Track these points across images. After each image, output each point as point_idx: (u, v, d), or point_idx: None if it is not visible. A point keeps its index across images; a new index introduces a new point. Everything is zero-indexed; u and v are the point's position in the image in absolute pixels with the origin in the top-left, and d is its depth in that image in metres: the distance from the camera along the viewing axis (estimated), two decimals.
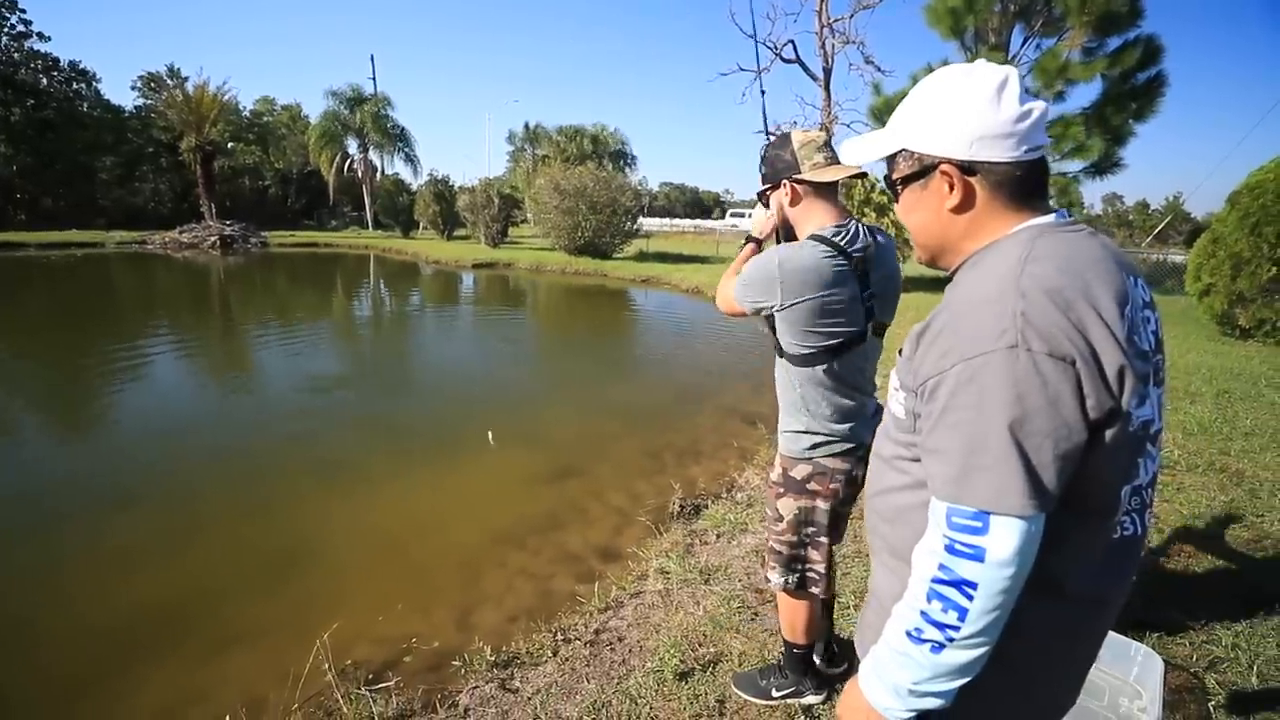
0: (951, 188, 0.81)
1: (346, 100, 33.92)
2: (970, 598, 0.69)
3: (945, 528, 0.72)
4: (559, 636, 2.27)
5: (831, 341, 1.50)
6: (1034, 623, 0.78)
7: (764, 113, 2.95)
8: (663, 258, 20.99)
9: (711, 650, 2.13)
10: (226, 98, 30.02)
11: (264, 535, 3.44)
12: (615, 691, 1.94)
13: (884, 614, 0.83)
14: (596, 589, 2.61)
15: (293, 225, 34.56)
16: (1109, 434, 0.71)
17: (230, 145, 35.28)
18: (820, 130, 13.45)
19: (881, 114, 12.70)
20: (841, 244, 1.47)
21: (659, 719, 1.83)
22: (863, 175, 1.54)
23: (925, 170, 0.83)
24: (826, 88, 16.37)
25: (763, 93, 2.60)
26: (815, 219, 1.53)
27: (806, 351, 1.52)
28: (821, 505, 1.62)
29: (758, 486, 3.60)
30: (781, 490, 1.66)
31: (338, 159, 34.09)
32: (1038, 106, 0.78)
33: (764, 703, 1.89)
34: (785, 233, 1.64)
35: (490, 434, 4.43)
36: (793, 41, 15.22)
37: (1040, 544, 0.71)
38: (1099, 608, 0.84)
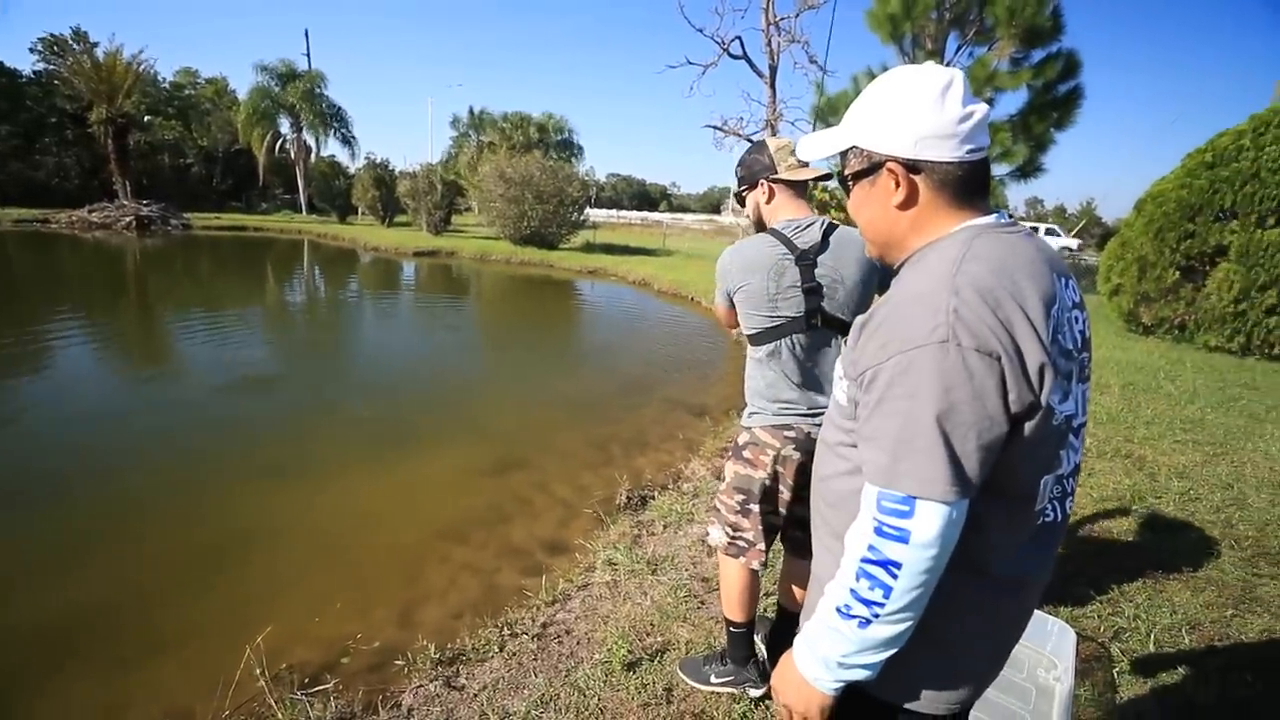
0: (897, 185, 0.83)
1: (278, 76, 32.06)
2: (895, 577, 0.73)
3: (875, 511, 0.75)
4: (505, 631, 2.24)
5: (771, 323, 1.64)
6: (961, 602, 0.82)
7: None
8: (610, 249, 20.93)
9: (659, 640, 2.15)
10: (142, 67, 27.84)
11: (191, 536, 3.23)
12: (563, 684, 1.93)
13: (822, 593, 0.86)
14: (544, 582, 2.59)
15: (218, 207, 32.39)
16: (1029, 426, 0.75)
17: (147, 119, 32.71)
18: (772, 133, 13.57)
19: (825, 114, 13.01)
20: (788, 235, 1.61)
21: (607, 709, 1.83)
22: (829, 176, 1.70)
23: (873, 167, 0.85)
24: (772, 85, 16.64)
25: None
26: (781, 214, 1.68)
27: (752, 330, 1.67)
28: (754, 474, 1.72)
29: (704, 477, 3.65)
30: (729, 454, 1.83)
31: (269, 138, 32.22)
32: (980, 109, 0.81)
33: (704, 688, 1.93)
34: (758, 227, 1.78)
35: None
36: (740, 38, 15.35)
37: (967, 528, 0.75)
38: (1022, 588, 0.89)
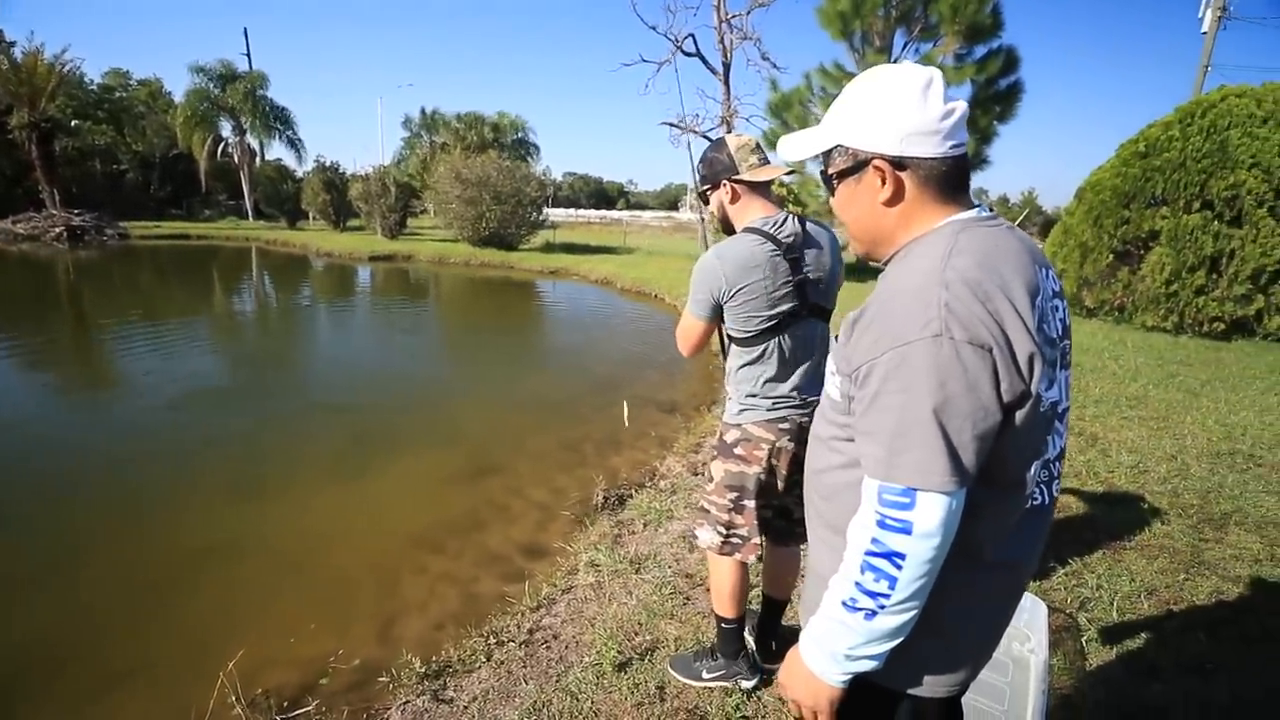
0: (884, 181, 0.85)
1: (217, 77, 30.72)
2: (899, 568, 0.75)
3: (876, 504, 0.77)
4: (491, 640, 2.21)
5: (770, 323, 1.63)
6: (960, 588, 0.84)
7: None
8: (570, 249, 20.81)
9: (648, 638, 2.16)
10: (67, 69, 26.28)
11: (149, 559, 3.09)
12: (555, 690, 1.92)
13: (822, 587, 0.87)
14: (527, 588, 2.56)
15: (157, 215, 30.77)
16: (1020, 415, 0.77)
17: (75, 123, 30.85)
18: (728, 129, 13.76)
19: (779, 110, 13.24)
20: (771, 232, 1.62)
21: (601, 712, 1.83)
22: (791, 173, 1.68)
23: (859, 165, 0.87)
24: (726, 82, 16.80)
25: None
26: (751, 214, 1.69)
27: (749, 333, 1.65)
28: (749, 470, 1.73)
29: (680, 474, 3.67)
30: (715, 453, 1.81)
31: (209, 142, 30.85)
32: (960, 106, 0.83)
33: (697, 684, 1.95)
34: (725, 228, 1.78)
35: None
36: (693, 35, 15.44)
37: (963, 516, 0.76)
38: (1015, 571, 0.92)
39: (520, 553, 3.11)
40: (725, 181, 1.69)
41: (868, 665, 0.82)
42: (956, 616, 0.88)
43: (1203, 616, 2.30)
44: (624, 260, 17.14)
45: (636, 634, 2.18)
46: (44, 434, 4.79)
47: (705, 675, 1.96)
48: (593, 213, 51.36)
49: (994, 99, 12.62)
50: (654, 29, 15.69)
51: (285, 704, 2.11)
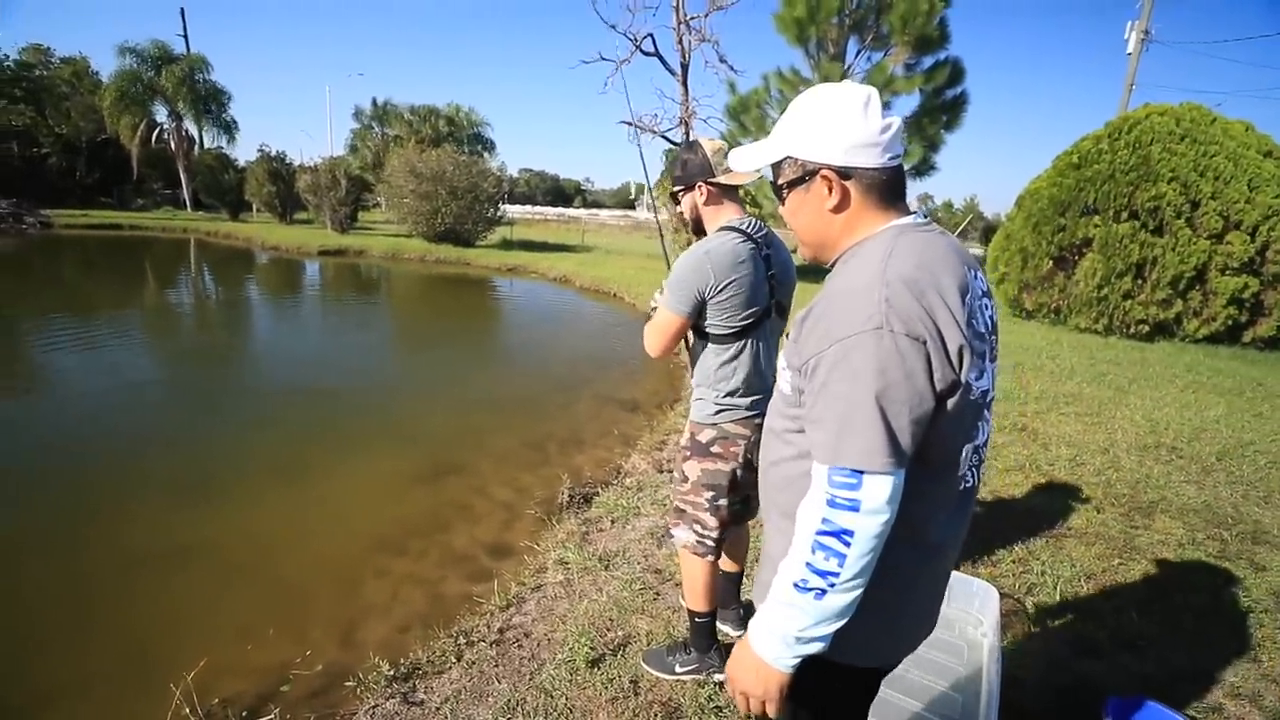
0: (830, 190, 0.92)
1: (151, 59, 29.03)
2: (848, 544, 0.79)
3: (826, 485, 0.82)
4: (461, 640, 2.19)
5: (749, 319, 1.68)
6: (901, 566, 0.91)
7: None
8: (528, 246, 20.61)
9: (620, 634, 2.17)
10: None
11: (85, 569, 2.90)
12: (528, 687, 1.92)
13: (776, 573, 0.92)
14: (496, 587, 2.54)
15: (84, 203, 28.95)
16: (951, 402, 0.84)
17: None
18: (686, 129, 13.79)
19: (737, 112, 13.44)
20: (749, 231, 1.69)
21: (576, 708, 1.84)
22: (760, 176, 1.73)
23: (808, 175, 0.94)
24: (684, 83, 16.94)
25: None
26: (724, 215, 1.75)
27: (730, 329, 1.68)
28: (723, 468, 1.76)
29: (646, 471, 3.70)
30: (688, 454, 1.82)
31: (142, 128, 29.11)
32: (896, 120, 0.91)
33: (670, 678, 1.98)
34: (695, 227, 1.83)
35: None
36: (651, 35, 15.47)
37: (904, 498, 0.82)
38: (949, 550, 1.00)
39: (486, 552, 3.08)
40: (701, 184, 1.73)
41: (817, 647, 0.85)
42: (899, 594, 0.94)
43: (1135, 597, 2.47)
44: (582, 259, 17.08)
45: (608, 630, 2.20)
46: None
47: (678, 669, 1.99)
48: (550, 210, 50.94)
49: (941, 108, 13.14)
50: (613, 28, 15.69)
51: (244, 713, 2.04)
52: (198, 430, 4.79)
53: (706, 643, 1.96)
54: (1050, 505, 3.29)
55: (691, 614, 1.93)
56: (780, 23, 12.66)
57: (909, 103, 13.38)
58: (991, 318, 0.94)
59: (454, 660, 2.09)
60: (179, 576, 2.87)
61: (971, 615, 2.22)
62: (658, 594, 2.42)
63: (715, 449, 1.76)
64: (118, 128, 28.56)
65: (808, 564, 0.82)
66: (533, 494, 3.65)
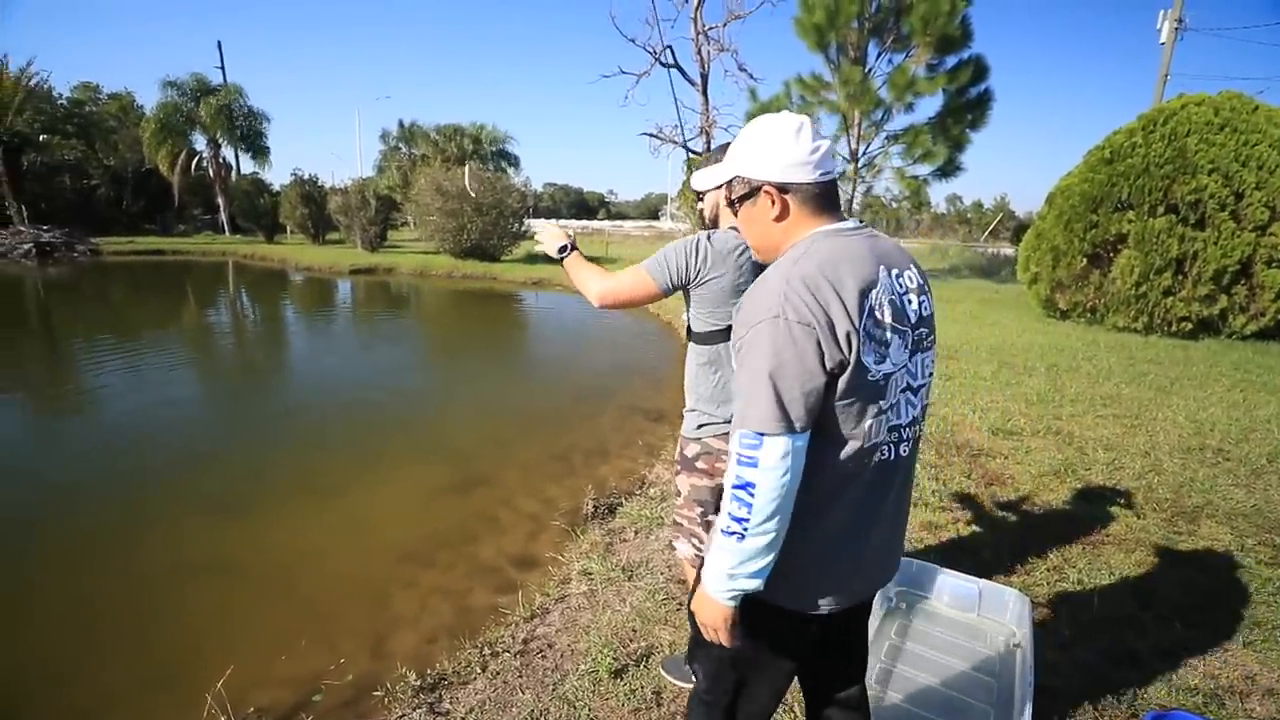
0: (773, 203, 1.07)
1: (190, 91, 30.29)
2: (753, 495, 0.94)
3: (737, 447, 0.97)
4: (486, 651, 2.21)
5: (726, 323, 1.63)
6: (816, 523, 1.05)
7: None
8: (553, 259, 20.78)
9: (642, 644, 2.17)
10: (33, 82, 25.86)
11: (122, 583, 3.01)
12: (552, 698, 1.93)
13: None
14: (520, 598, 2.57)
15: (130, 231, 30.23)
16: (843, 379, 0.97)
17: (43, 138, 30.27)
18: (707, 140, 13.79)
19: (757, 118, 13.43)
20: None
21: (599, 718, 1.84)
22: None
23: (754, 191, 1.09)
24: (704, 93, 17.00)
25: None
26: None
27: (714, 328, 1.65)
28: (708, 484, 1.73)
29: (669, 481, 3.69)
30: (679, 468, 1.81)
31: (182, 157, 30.34)
32: (825, 143, 1.07)
33: (689, 686, 1.97)
34: (713, 225, 1.80)
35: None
36: (670, 47, 15.60)
37: (813, 463, 0.98)
38: (875, 516, 1.11)
39: (512, 564, 3.11)
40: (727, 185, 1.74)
41: (749, 584, 1.00)
42: (817, 545, 1.08)
43: (1178, 606, 2.37)
44: (608, 270, 17.17)
45: (631, 640, 2.20)
46: (7, 455, 4.69)
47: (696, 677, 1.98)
48: (575, 223, 51.41)
49: (965, 107, 12.94)
50: (632, 41, 15.87)
51: None
52: (232, 445, 4.95)
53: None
54: (1087, 511, 3.19)
55: (693, 629, 1.92)
56: (800, 28, 12.65)
57: (932, 104, 13.22)
58: (918, 311, 1.07)
59: (479, 671, 2.11)
60: (213, 588, 2.96)
61: (1004, 625, 2.16)
62: (680, 604, 2.41)
63: (700, 464, 1.73)
64: (156, 158, 29.73)
65: (729, 513, 0.97)
66: (558, 505, 3.67)
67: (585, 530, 3.20)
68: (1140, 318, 8.46)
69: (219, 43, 44.11)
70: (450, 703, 1.97)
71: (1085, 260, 8.95)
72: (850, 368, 0.97)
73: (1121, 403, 5.08)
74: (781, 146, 1.04)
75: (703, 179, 1.24)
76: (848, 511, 1.07)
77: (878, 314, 0.99)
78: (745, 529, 0.96)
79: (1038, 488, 3.46)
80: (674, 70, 15.77)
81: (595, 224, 48.58)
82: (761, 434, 0.94)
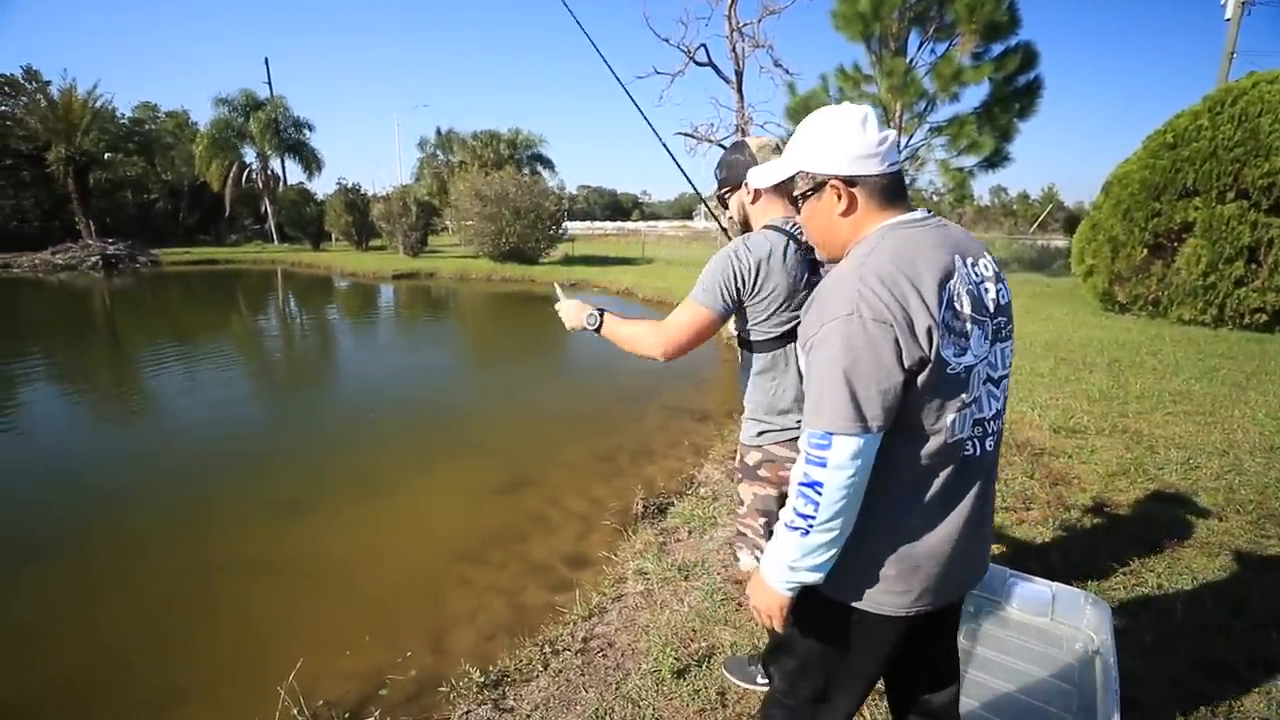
0: (839, 197, 1.04)
1: (240, 107, 31.58)
2: (820, 493, 0.95)
3: (806, 446, 0.97)
4: (547, 649, 2.22)
5: (787, 327, 1.59)
6: (888, 522, 1.03)
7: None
8: (589, 260, 20.95)
9: (703, 645, 2.16)
10: (100, 103, 27.30)
11: (191, 579, 3.13)
12: (615, 697, 1.93)
13: None
14: (577, 596, 2.58)
15: (186, 241, 31.75)
16: (925, 377, 0.95)
17: (108, 156, 31.95)
18: (742, 137, 13.78)
19: (797, 113, 13.23)
20: (794, 232, 1.59)
21: (664, 718, 1.83)
22: None
23: (819, 186, 1.06)
24: (739, 90, 16.86)
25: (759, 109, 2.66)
26: (771, 214, 1.67)
27: (770, 335, 1.59)
28: (773, 493, 1.68)
29: (720, 481, 3.67)
30: (740, 476, 1.75)
31: (233, 169, 31.67)
32: (890, 134, 1.03)
33: (752, 688, 1.94)
34: (743, 229, 1.76)
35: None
36: (704, 45, 15.59)
37: (889, 460, 0.97)
38: (959, 515, 1.07)
39: (564, 563, 3.13)
40: (746, 182, 1.64)
41: (809, 578, 1.01)
42: (903, 544, 1.05)
43: (1273, 614, 2.23)
44: (644, 270, 17.22)
45: (692, 640, 2.18)
46: (80, 457, 4.95)
47: (760, 680, 1.95)
48: (610, 224, 51.64)
49: (1013, 96, 12.50)
50: (666, 41, 15.87)
51: (347, 715, 2.14)
52: (289, 445, 5.12)
53: None
54: (1163, 512, 3.03)
55: (770, 631, 1.89)
56: (840, 20, 12.41)
57: (978, 93, 12.81)
58: (995, 300, 1.03)
59: (541, 669, 2.12)
60: (276, 584, 3.07)
61: (1081, 631, 2.06)
62: (739, 605, 2.38)
63: (762, 472, 1.68)
64: (207, 172, 31.07)
65: (794, 509, 0.98)
66: (606, 505, 3.68)
67: (637, 530, 3.20)
68: (1208, 310, 8.03)
69: (266, 59, 45.85)
70: (515, 700, 1.99)
71: (1146, 251, 8.55)
72: (931, 363, 0.94)
73: (1193, 399, 4.83)
74: (847, 138, 1.01)
75: (761, 175, 1.16)
76: (935, 509, 1.04)
77: (956, 305, 0.97)
78: (810, 525, 0.96)
79: (1106, 488, 3.31)
80: (709, 68, 15.72)
81: (630, 225, 48.69)
82: (831, 433, 0.93)
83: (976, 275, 1.02)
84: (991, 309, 1.02)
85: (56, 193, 27.83)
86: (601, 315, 1.71)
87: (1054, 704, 1.82)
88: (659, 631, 2.23)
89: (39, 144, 26.43)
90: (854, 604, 1.08)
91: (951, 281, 0.97)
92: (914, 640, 1.18)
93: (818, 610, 1.11)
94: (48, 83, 28.62)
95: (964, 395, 0.99)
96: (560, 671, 2.08)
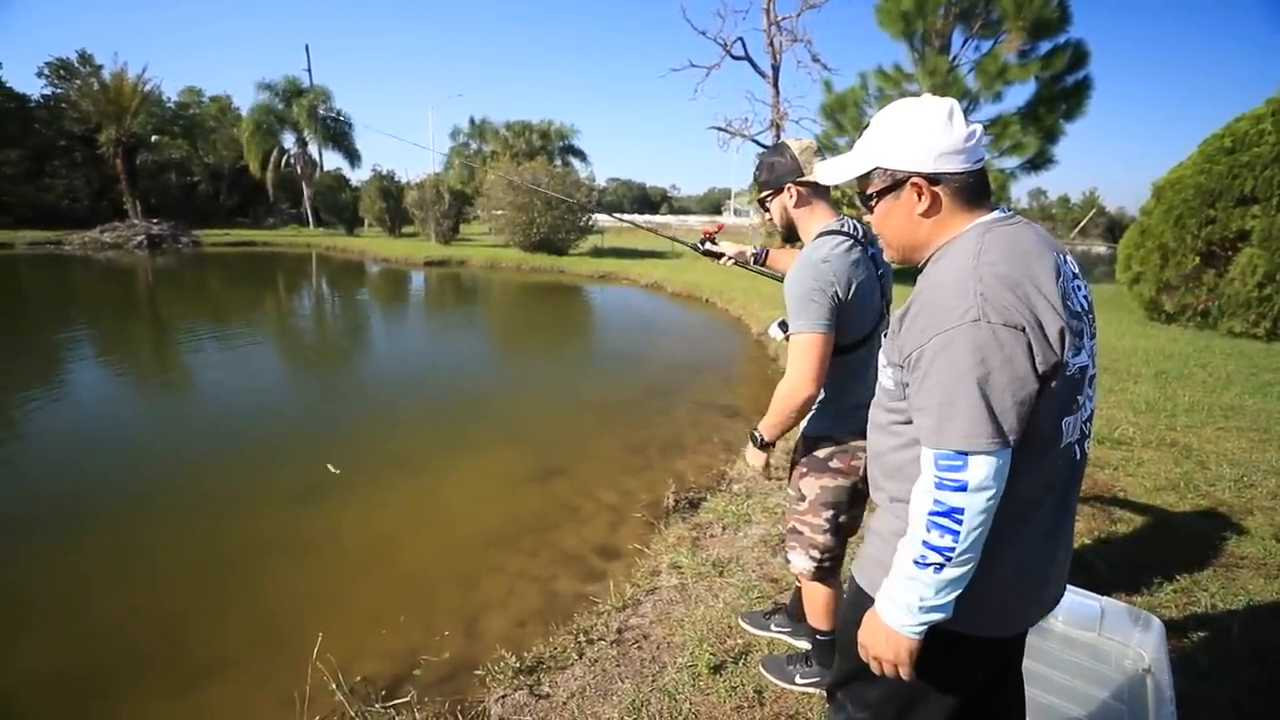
0: (920, 196, 0.97)
1: (282, 92, 32.23)
2: (960, 523, 0.86)
3: (934, 469, 0.88)
4: (581, 638, 2.23)
5: (870, 326, 1.59)
6: (1015, 538, 0.96)
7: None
8: (619, 253, 20.95)
9: (740, 641, 2.14)
10: (148, 87, 28.07)
11: (229, 556, 3.18)
12: (652, 689, 1.93)
13: (885, 546, 1.02)
14: (611, 587, 2.58)
15: (226, 223, 32.59)
16: (1054, 383, 0.89)
17: (154, 138, 32.92)
18: (777, 133, 13.58)
19: (833, 111, 13.04)
20: (852, 233, 1.58)
21: (700, 714, 1.83)
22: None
23: (897, 184, 0.99)
24: (775, 85, 16.67)
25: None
26: (819, 217, 1.65)
27: (855, 339, 1.58)
28: (844, 483, 1.67)
29: (752, 477, 3.64)
30: (805, 470, 1.72)
31: (274, 154, 32.38)
32: (978, 128, 0.97)
33: (789, 687, 1.93)
34: (787, 234, 1.73)
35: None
36: (742, 39, 15.46)
37: (1024, 468, 0.89)
38: (1063, 516, 1.03)
39: (595, 553, 3.14)
40: (790, 185, 1.63)
41: (938, 616, 0.92)
42: (1010, 563, 0.98)
43: None
44: (673, 264, 17.16)
45: (728, 637, 2.17)
46: (123, 431, 5.11)
47: (799, 679, 1.94)
48: (640, 217, 51.59)
49: (1060, 96, 12.12)
50: (703, 34, 15.74)
51: (383, 692, 2.18)
52: (323, 428, 5.22)
53: (830, 658, 1.89)
54: (1215, 530, 2.92)
55: (814, 631, 1.87)
56: (884, 16, 12.16)
57: (1023, 92, 12.46)
58: (1086, 297, 0.98)
59: (576, 657, 2.13)
60: (313, 564, 3.13)
61: (1129, 648, 2.00)
62: (776, 603, 2.36)
63: (834, 464, 1.66)
64: (251, 156, 31.82)
65: (924, 542, 0.89)
66: (637, 497, 3.69)
67: (669, 524, 3.20)
68: (1261, 323, 7.72)
69: (306, 46, 46.68)
70: (550, 686, 2.01)
71: (1198, 259, 8.24)
72: (1061, 367, 0.88)
73: (1246, 415, 4.64)
74: (932, 133, 0.94)
75: (831, 171, 1.10)
76: (1048, 519, 0.99)
77: (1070, 304, 0.91)
78: (948, 558, 0.87)
79: (1155, 502, 3.21)
80: (745, 62, 15.55)
81: (659, 219, 48.59)
82: (966, 453, 0.85)
83: (1072, 272, 0.97)
84: (1086, 306, 0.98)
85: (105, 174, 28.78)
86: (763, 440, 1.68)
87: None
88: (694, 626, 2.22)
89: (90, 126, 27.32)
90: (955, 629, 0.98)
91: (1060, 280, 0.92)
92: (1000, 662, 1.13)
93: (930, 650, 0.99)
94: (100, 67, 29.51)
95: (1080, 396, 0.94)
96: (596, 661, 2.09)
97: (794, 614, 2.13)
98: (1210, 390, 5.33)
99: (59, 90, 30.68)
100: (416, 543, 3.35)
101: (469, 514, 3.67)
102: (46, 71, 31.31)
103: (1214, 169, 8.05)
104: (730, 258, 2.20)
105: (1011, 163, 12.81)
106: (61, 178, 29.91)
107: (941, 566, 0.88)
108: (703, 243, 2.25)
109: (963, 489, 0.85)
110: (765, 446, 1.69)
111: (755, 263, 2.16)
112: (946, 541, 0.87)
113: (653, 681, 1.96)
